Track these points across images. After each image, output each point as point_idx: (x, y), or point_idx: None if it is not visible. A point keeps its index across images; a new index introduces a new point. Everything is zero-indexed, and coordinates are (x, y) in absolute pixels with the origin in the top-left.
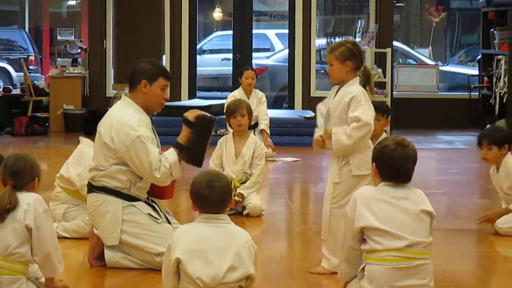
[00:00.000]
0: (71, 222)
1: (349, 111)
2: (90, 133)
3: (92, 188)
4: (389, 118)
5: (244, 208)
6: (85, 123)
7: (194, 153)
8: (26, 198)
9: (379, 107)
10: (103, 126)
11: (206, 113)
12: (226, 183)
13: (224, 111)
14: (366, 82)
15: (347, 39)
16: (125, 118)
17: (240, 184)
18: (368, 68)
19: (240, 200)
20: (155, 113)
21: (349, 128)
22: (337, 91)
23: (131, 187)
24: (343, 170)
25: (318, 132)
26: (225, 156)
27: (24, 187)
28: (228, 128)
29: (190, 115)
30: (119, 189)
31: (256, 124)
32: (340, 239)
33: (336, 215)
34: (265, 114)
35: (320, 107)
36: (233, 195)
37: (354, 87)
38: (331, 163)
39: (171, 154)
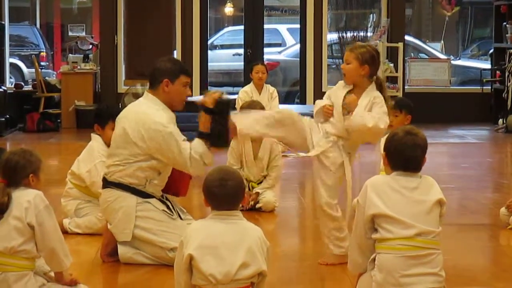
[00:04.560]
0: (84, 218)
1: (376, 108)
2: (101, 125)
3: (107, 183)
4: (409, 114)
5: (257, 201)
6: (97, 118)
7: (218, 137)
8: (26, 195)
9: (397, 103)
10: (129, 123)
11: (222, 95)
12: (238, 181)
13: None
14: (380, 91)
15: (370, 44)
16: (154, 115)
17: (258, 184)
18: (382, 78)
19: (253, 202)
20: None
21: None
22: (347, 92)
23: (146, 184)
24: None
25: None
26: (244, 157)
27: (19, 183)
28: None
29: (208, 100)
30: (134, 186)
31: None
32: (353, 227)
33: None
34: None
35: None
36: (249, 194)
37: (377, 93)
38: (345, 164)
39: (199, 144)
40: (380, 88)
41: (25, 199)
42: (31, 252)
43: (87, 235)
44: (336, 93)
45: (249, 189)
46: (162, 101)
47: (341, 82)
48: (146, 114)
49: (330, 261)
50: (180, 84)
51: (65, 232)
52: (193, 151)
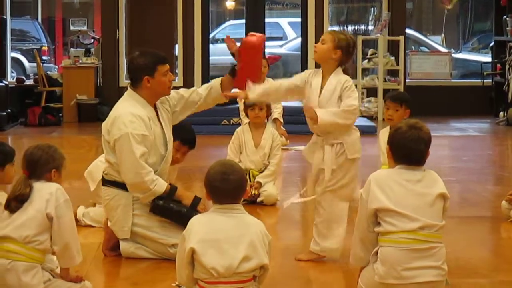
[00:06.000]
0: (97, 210)
1: (343, 97)
2: None
3: (104, 182)
4: (408, 108)
5: (259, 195)
6: None
7: (162, 208)
8: (47, 188)
9: (398, 97)
10: (105, 120)
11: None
12: (240, 176)
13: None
14: None
15: (351, 35)
16: (121, 112)
17: (259, 172)
18: (348, 69)
19: (256, 193)
20: None
21: (342, 109)
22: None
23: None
24: (340, 157)
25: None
26: (244, 147)
27: (40, 177)
28: (242, 117)
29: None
30: None
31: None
32: (356, 220)
33: (327, 199)
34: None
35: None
36: (250, 185)
37: (344, 76)
38: (326, 151)
39: (162, 186)
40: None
41: (47, 191)
42: (44, 243)
43: (90, 228)
44: (314, 80)
45: (249, 177)
46: (145, 96)
47: (317, 70)
48: (116, 109)
49: (306, 257)
50: (160, 75)
51: (77, 222)
52: (155, 180)
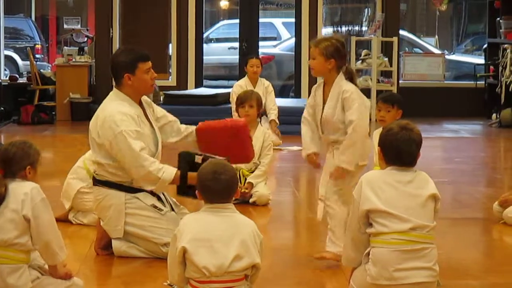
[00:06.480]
0: (88, 217)
1: (344, 110)
2: None
3: (95, 182)
4: (400, 109)
5: (251, 196)
6: None
7: (185, 189)
8: (22, 187)
9: (390, 98)
10: (92, 121)
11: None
12: (232, 175)
13: (235, 100)
14: (350, 81)
15: (334, 36)
16: (110, 112)
17: (250, 172)
18: (351, 68)
19: (248, 191)
20: (161, 102)
21: (347, 136)
22: (323, 92)
23: (133, 180)
24: None
25: (307, 151)
26: None
27: (15, 175)
28: (234, 117)
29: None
30: (121, 182)
31: (263, 113)
32: (348, 221)
33: (338, 202)
34: (274, 104)
35: (307, 118)
36: (241, 185)
37: (345, 85)
38: (335, 155)
39: (170, 173)
40: (350, 78)
41: (22, 191)
42: (26, 245)
43: (81, 226)
44: (317, 92)
45: (239, 177)
46: (129, 94)
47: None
48: (103, 110)
49: (327, 255)
50: (141, 72)
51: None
52: (161, 168)
